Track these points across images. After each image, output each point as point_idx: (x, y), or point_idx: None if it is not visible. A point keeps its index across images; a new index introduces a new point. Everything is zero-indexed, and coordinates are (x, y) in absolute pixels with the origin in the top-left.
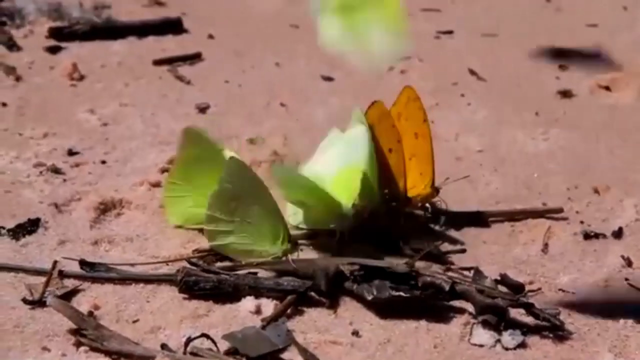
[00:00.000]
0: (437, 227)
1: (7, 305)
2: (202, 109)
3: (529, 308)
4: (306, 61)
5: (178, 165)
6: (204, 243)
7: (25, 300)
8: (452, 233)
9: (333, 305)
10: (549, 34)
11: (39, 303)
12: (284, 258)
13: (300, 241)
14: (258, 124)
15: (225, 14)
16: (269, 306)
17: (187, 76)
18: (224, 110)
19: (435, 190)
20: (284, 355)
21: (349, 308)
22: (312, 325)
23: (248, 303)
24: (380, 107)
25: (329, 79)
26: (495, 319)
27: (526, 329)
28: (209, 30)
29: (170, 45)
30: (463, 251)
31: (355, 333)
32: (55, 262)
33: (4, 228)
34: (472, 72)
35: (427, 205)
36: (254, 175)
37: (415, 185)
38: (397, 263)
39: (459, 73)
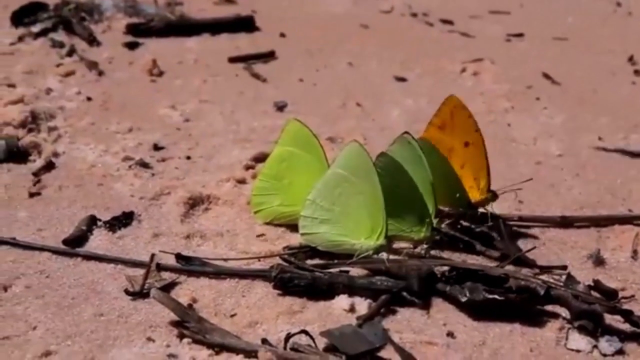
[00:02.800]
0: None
1: (110, 296)
2: (280, 107)
3: (628, 315)
4: (378, 61)
5: (271, 161)
6: (293, 240)
7: (127, 291)
8: (538, 237)
9: (426, 306)
10: (620, 38)
11: (140, 294)
12: (374, 255)
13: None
14: (335, 123)
15: (295, 13)
16: (362, 305)
17: (263, 74)
18: (301, 108)
19: (494, 195)
20: (381, 354)
21: (442, 309)
22: (406, 325)
23: (342, 301)
24: (453, 101)
25: (402, 79)
26: (592, 324)
27: (623, 336)
28: (280, 29)
29: (243, 43)
30: (564, 267)
31: (450, 334)
32: (152, 255)
33: (100, 220)
34: (546, 76)
35: (487, 209)
36: (370, 163)
37: (470, 190)
38: (490, 266)
39: (533, 76)
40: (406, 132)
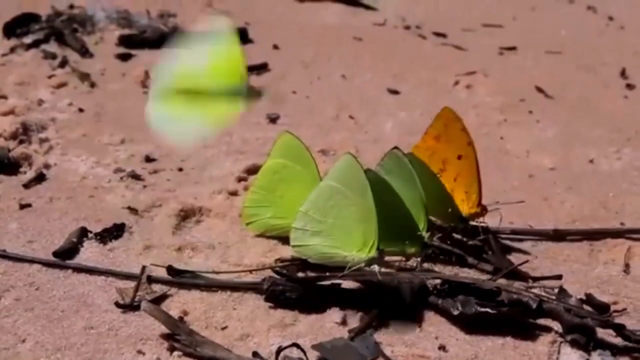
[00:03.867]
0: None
1: (100, 309)
2: (273, 119)
3: (620, 329)
4: (372, 74)
5: (263, 173)
6: (285, 252)
7: (117, 304)
8: (530, 250)
9: (418, 319)
10: (613, 52)
11: (131, 307)
12: (366, 267)
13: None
14: (328, 135)
15: (288, 25)
16: (354, 317)
17: (255, 86)
18: (294, 121)
19: (483, 209)
20: None
21: (434, 322)
22: (398, 338)
23: (334, 314)
24: (447, 113)
25: (395, 92)
26: (584, 338)
27: (616, 350)
28: (273, 41)
29: None
30: (559, 277)
31: (442, 347)
32: (143, 268)
33: (91, 232)
34: (539, 89)
35: (478, 222)
36: (363, 176)
37: (462, 204)
38: (482, 279)
39: (526, 89)
40: (396, 147)
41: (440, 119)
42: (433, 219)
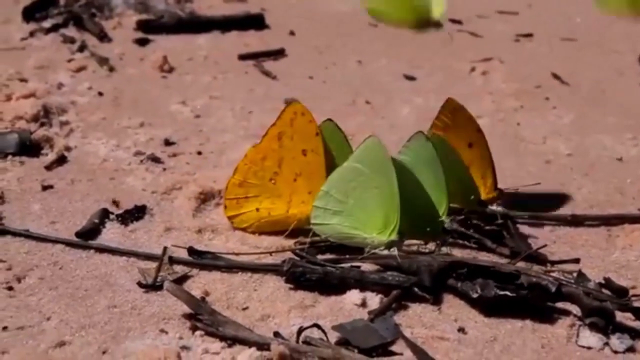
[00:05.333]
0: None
1: (123, 288)
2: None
3: (639, 313)
4: (387, 60)
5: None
6: (304, 235)
7: (139, 284)
8: (548, 235)
9: (437, 302)
10: (628, 39)
11: (153, 287)
12: (386, 250)
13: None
14: (345, 121)
15: (304, 11)
16: (373, 299)
17: (272, 71)
18: (311, 106)
19: (500, 193)
20: (393, 348)
21: (453, 305)
22: (417, 321)
23: (353, 296)
24: (452, 103)
25: (411, 78)
26: (603, 322)
27: (634, 334)
28: (289, 27)
29: (252, 40)
30: (577, 261)
31: (461, 330)
32: (165, 248)
33: (112, 213)
34: (555, 76)
35: (496, 207)
36: (388, 158)
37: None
38: (501, 263)
39: (542, 76)
40: (420, 132)
41: (445, 109)
42: (452, 204)
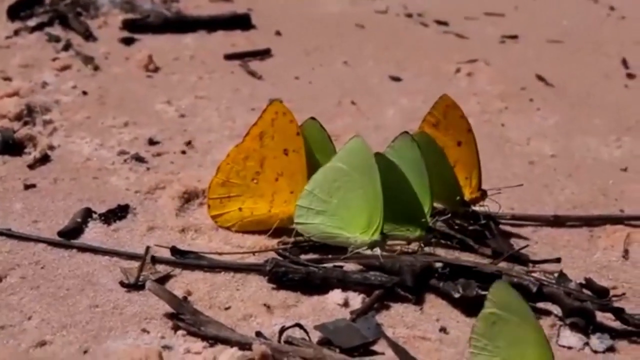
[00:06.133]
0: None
1: (105, 288)
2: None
3: (619, 313)
4: (374, 61)
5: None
6: (288, 235)
7: (122, 283)
8: (530, 235)
9: (419, 302)
10: (614, 42)
11: (135, 286)
12: (369, 250)
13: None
14: (331, 122)
15: (291, 12)
16: (356, 299)
17: (258, 71)
18: (297, 106)
19: (484, 194)
20: (375, 347)
21: (435, 305)
22: (399, 320)
23: (336, 295)
24: (447, 100)
25: (397, 79)
26: (584, 322)
27: (614, 334)
28: (276, 27)
29: (239, 40)
30: (558, 260)
31: (443, 329)
32: (147, 248)
33: (95, 213)
34: (540, 78)
35: (480, 207)
36: (372, 159)
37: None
38: (483, 263)
39: (527, 78)
40: (405, 132)
41: (439, 106)
42: (436, 204)
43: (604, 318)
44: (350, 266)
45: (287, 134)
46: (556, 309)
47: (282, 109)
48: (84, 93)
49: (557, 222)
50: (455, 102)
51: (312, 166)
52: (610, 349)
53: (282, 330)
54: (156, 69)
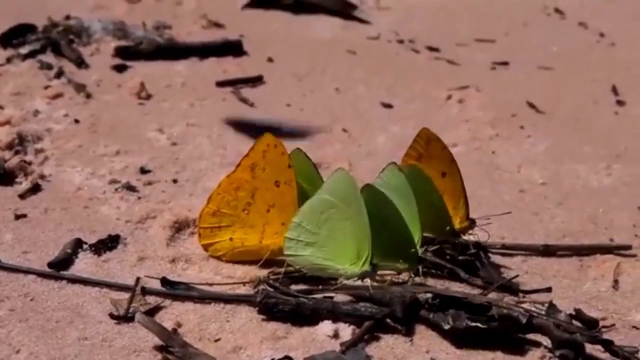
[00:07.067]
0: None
1: (95, 320)
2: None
3: (608, 345)
4: (365, 87)
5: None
6: (279, 266)
7: (111, 315)
8: (520, 265)
9: (409, 333)
10: (604, 68)
11: (125, 318)
12: (359, 281)
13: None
14: (322, 148)
15: (283, 38)
16: (346, 330)
17: (250, 98)
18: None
19: (472, 223)
20: None
21: (425, 336)
22: (389, 352)
23: (326, 327)
24: (426, 132)
25: (388, 106)
26: (573, 354)
27: None
28: (267, 54)
29: (230, 67)
30: (548, 290)
31: None
32: (138, 279)
33: (86, 243)
34: (530, 105)
35: (469, 237)
36: (357, 190)
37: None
38: (473, 294)
39: (517, 105)
40: (393, 162)
41: (420, 138)
42: (426, 234)
43: (594, 350)
44: (340, 297)
45: (279, 167)
46: (546, 341)
47: (273, 141)
48: (76, 121)
49: (547, 251)
50: (435, 134)
51: (299, 197)
52: None
53: None
54: (148, 96)
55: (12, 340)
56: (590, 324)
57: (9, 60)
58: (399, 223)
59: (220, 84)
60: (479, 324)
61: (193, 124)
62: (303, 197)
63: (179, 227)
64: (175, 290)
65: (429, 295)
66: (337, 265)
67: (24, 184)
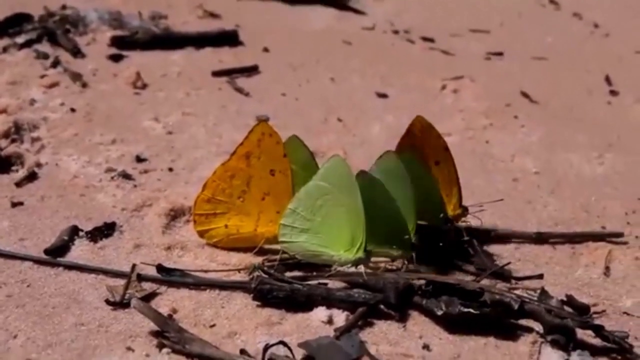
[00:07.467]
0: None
1: (91, 305)
2: (263, 121)
3: (599, 330)
4: (360, 77)
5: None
6: (274, 252)
7: (107, 301)
8: (513, 252)
9: (402, 319)
10: (597, 59)
11: (121, 304)
12: (353, 268)
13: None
14: (317, 138)
15: (278, 28)
16: (340, 317)
17: (245, 88)
18: (283, 123)
19: (465, 210)
20: None
21: (418, 322)
22: (383, 338)
23: (320, 313)
24: (420, 121)
25: (383, 95)
26: (564, 339)
27: (594, 350)
28: (263, 44)
29: (226, 56)
30: (540, 277)
31: (426, 347)
32: (134, 266)
33: (82, 230)
34: (524, 94)
35: (463, 224)
36: (352, 177)
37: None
38: (466, 280)
39: (511, 94)
40: (390, 150)
41: (414, 127)
42: (420, 222)
43: (585, 335)
44: (334, 283)
45: (274, 155)
46: (538, 326)
47: (268, 130)
48: (72, 110)
49: (540, 239)
50: (429, 122)
51: (294, 185)
52: None
53: (266, 347)
54: (144, 86)
55: (9, 326)
56: (582, 310)
57: (5, 49)
58: (394, 210)
59: (216, 73)
60: (471, 310)
61: (189, 113)
62: (299, 183)
63: (175, 214)
64: (170, 276)
65: (422, 281)
66: (332, 252)
67: (21, 172)
